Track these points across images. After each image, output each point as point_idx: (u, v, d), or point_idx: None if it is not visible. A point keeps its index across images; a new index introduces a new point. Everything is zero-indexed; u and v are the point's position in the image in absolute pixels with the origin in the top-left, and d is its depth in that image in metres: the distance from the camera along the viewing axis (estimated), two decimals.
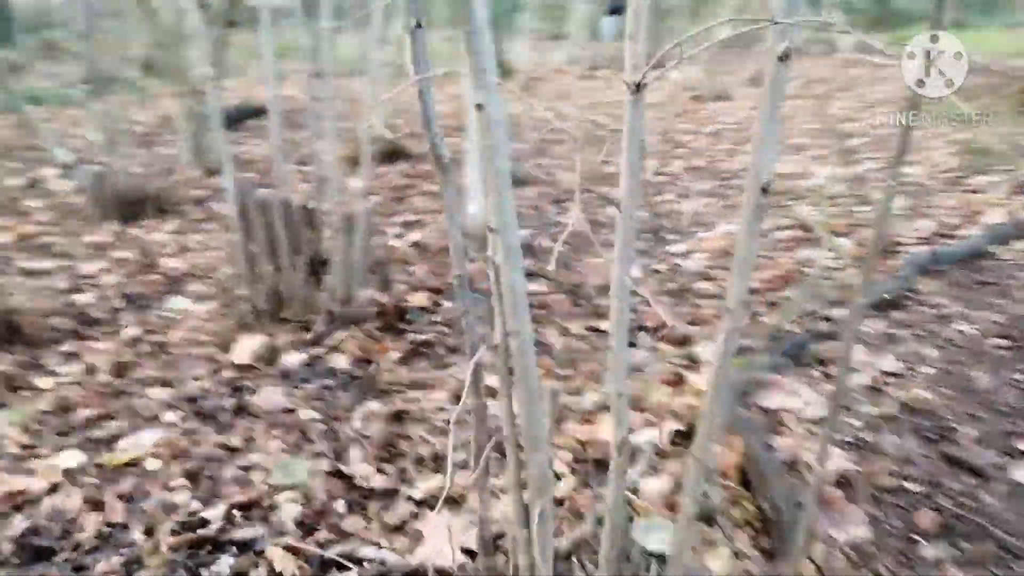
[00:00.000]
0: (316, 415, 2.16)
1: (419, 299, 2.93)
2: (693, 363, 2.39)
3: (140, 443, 2.10)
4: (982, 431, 2.01)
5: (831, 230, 3.42)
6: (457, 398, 2.28)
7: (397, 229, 4.02)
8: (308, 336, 2.67)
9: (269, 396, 2.28)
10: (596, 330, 2.70)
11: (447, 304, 2.94)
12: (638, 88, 1.21)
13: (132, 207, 4.53)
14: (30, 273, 3.79)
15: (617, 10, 11.79)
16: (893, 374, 2.27)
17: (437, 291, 3.07)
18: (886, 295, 2.65)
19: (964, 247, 3.18)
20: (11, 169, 6.18)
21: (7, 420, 2.20)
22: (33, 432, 2.17)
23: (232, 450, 2.03)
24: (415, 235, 3.90)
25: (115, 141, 4.61)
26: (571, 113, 7.80)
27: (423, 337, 2.63)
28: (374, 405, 2.23)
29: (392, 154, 5.83)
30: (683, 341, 2.54)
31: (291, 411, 2.21)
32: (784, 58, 1.13)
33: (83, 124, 5.62)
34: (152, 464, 1.97)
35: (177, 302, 3.17)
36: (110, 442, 2.13)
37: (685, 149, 5.69)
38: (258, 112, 8.19)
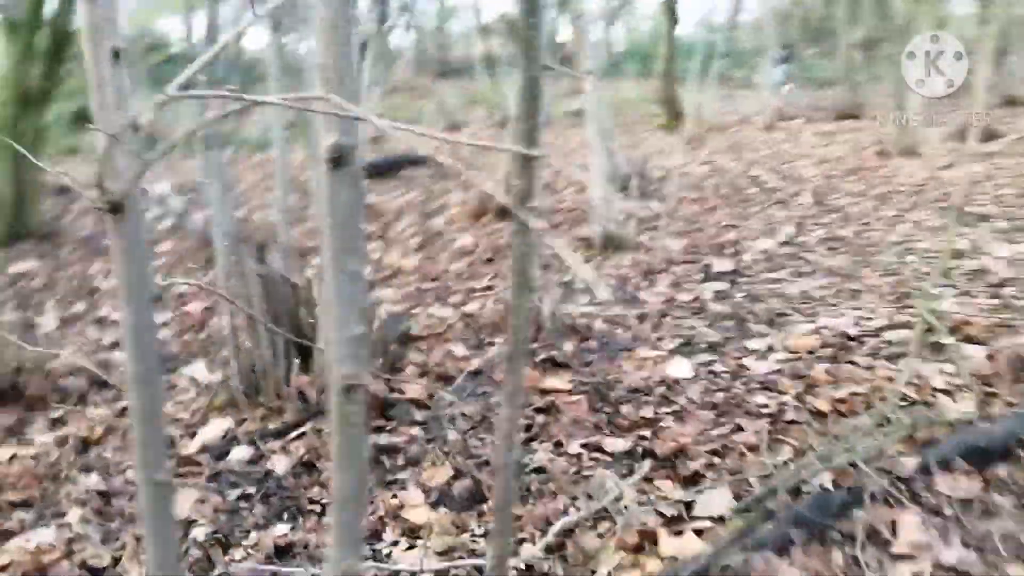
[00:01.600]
0: (203, 537, 1.85)
1: (416, 389, 2.56)
2: (686, 516, 1.82)
3: (27, 544, 1.90)
4: None
5: (962, 334, 2.63)
6: (382, 523, 1.88)
7: (460, 297, 3.69)
8: (274, 426, 2.38)
9: (178, 504, 2.00)
10: (600, 450, 2.18)
11: (448, 396, 2.54)
12: (336, 163, 0.79)
13: None
14: (103, 322, 3.86)
15: (787, 59, 12.96)
16: (956, 571, 1.58)
17: (448, 379, 2.69)
18: (987, 440, 1.91)
19: None
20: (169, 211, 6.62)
21: None
22: None
23: (95, 572, 1.77)
24: (475, 304, 3.54)
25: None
26: (730, 168, 7.16)
27: (388, 440, 2.25)
28: (280, 529, 1.89)
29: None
30: (692, 479, 1.97)
31: (190, 524, 1.92)
32: (337, 163, 0.67)
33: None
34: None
35: (194, 369, 3.02)
36: (8, 537, 1.95)
37: (837, 214, 4.89)
38: (414, 162, 8.40)
